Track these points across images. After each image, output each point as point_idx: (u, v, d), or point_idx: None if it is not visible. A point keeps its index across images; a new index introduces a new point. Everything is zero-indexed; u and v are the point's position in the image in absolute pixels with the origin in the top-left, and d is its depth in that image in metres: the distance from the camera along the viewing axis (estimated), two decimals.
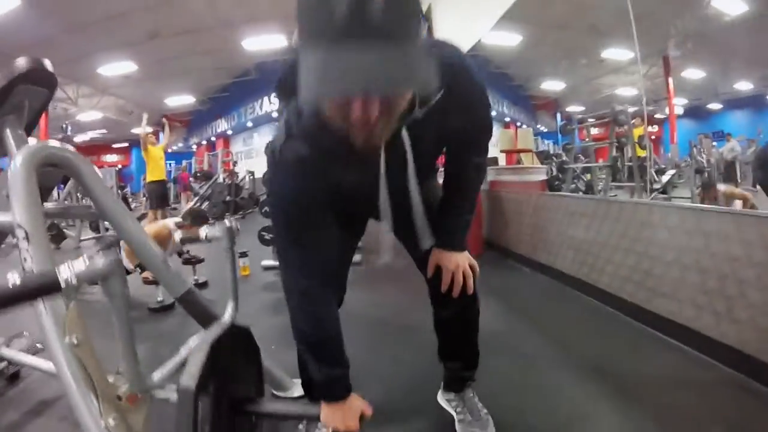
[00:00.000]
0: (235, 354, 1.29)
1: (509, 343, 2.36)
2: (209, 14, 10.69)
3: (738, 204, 4.43)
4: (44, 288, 0.97)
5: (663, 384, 1.90)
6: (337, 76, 0.72)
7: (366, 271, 4.21)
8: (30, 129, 1.82)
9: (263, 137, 4.10)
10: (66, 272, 1.01)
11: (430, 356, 1.71)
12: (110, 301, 1.26)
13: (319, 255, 1.19)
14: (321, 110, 0.90)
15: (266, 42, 12.13)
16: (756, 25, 9.40)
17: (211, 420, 1.10)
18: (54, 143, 1.59)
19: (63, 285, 0.98)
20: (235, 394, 1.24)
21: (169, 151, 13.72)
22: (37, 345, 2.30)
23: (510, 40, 12.00)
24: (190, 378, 1.04)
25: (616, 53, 12.36)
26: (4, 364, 2.12)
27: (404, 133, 1.05)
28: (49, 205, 1.55)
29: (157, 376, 1.50)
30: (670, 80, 11.58)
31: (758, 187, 4.05)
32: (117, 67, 13.02)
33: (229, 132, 19.10)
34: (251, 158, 17.27)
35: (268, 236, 4.50)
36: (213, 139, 19.58)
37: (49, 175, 1.60)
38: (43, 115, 1.95)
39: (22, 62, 1.63)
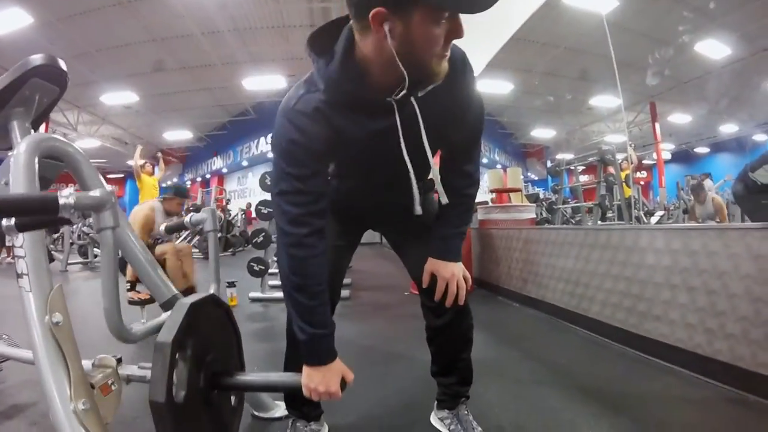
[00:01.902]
0: (214, 324, 1.29)
1: (501, 369, 2.33)
2: (213, 52, 11.02)
3: None
4: (43, 207, 0.99)
5: (660, 405, 1.88)
6: None
7: (354, 305, 4.26)
8: (37, 124, 1.84)
9: (258, 177, 4.27)
10: (65, 196, 1.03)
11: (418, 380, 1.69)
12: (100, 237, 1.25)
13: (315, 205, 1.18)
14: (359, 61, 1.06)
15: (266, 82, 12.47)
16: (738, 68, 9.77)
17: (188, 385, 1.09)
18: (58, 137, 1.62)
19: (61, 207, 1.02)
20: (214, 367, 1.23)
21: (164, 185, 13.79)
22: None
23: (502, 88, 12.40)
24: (167, 333, 1.05)
25: (604, 100, 12.79)
26: None
27: (413, 102, 1.12)
28: None
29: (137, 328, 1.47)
30: (657, 126, 11.89)
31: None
32: (119, 97, 13.21)
33: (224, 170, 19.26)
34: (245, 197, 17.35)
35: (257, 267, 4.50)
36: (208, 176, 19.71)
37: (50, 167, 1.62)
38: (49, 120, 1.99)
39: (36, 57, 1.67)
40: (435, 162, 1.29)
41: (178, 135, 17.87)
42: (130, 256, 1.75)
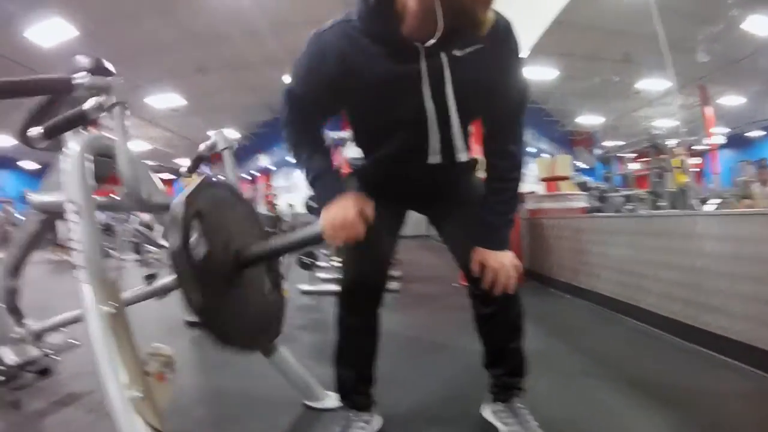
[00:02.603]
0: (227, 203, 1.32)
1: (552, 362, 2.25)
2: (254, 51, 11.20)
3: None
4: (58, 84, 1.03)
5: (715, 400, 1.78)
6: None
7: (402, 297, 4.25)
8: (88, 126, 1.91)
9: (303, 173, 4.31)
10: (80, 77, 1.14)
11: (467, 371, 1.65)
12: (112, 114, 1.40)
13: (312, 123, 1.33)
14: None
15: None
16: None
17: (210, 256, 1.10)
18: (107, 135, 1.67)
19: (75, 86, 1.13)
20: (236, 244, 1.23)
21: None
22: (72, 341, 2.35)
23: (545, 74, 12.08)
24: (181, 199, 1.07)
25: (651, 83, 12.22)
26: (37, 354, 2.09)
27: (443, 56, 1.12)
28: (98, 197, 1.61)
29: None
30: (708, 109, 11.28)
31: None
32: (164, 99, 13.73)
33: (271, 167, 19.51)
34: (291, 193, 17.59)
35: (307, 260, 4.52)
36: (255, 173, 20.04)
37: (102, 164, 1.67)
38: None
39: (83, 60, 1.73)
40: (475, 140, 1.27)
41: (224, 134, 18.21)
42: None
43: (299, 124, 1.34)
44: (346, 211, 1.17)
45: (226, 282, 1.13)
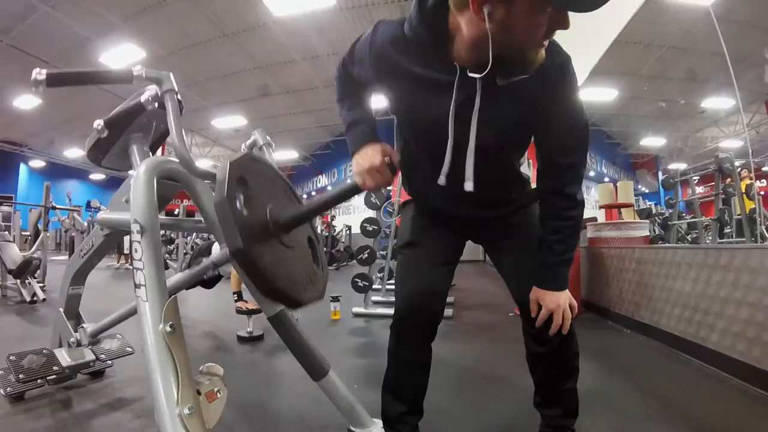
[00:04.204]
0: (261, 175, 1.29)
1: (610, 403, 2.12)
2: (315, 75, 11.54)
3: None
4: (119, 76, 1.16)
5: None
6: None
7: (456, 324, 4.19)
8: (155, 148, 2.03)
9: (363, 195, 4.30)
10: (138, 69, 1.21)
11: (519, 404, 1.59)
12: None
13: (358, 79, 1.35)
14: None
15: None
16: None
17: (257, 228, 1.10)
18: (174, 160, 1.76)
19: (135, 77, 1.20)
20: (274, 214, 1.21)
21: None
22: (128, 348, 2.46)
23: (606, 95, 11.69)
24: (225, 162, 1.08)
25: (717, 102, 11.61)
26: (90, 357, 2.22)
27: (479, 84, 1.09)
28: (162, 217, 1.69)
29: None
30: None
31: None
32: (228, 121, 14.42)
33: (329, 188, 19.83)
34: (349, 214, 17.83)
35: (361, 283, 4.57)
36: (314, 193, 20.19)
37: (167, 187, 1.75)
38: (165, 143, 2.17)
39: (151, 87, 1.84)
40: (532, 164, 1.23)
41: (285, 155, 18.81)
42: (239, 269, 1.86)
43: (346, 83, 1.41)
44: (373, 157, 1.20)
45: (266, 240, 1.14)
